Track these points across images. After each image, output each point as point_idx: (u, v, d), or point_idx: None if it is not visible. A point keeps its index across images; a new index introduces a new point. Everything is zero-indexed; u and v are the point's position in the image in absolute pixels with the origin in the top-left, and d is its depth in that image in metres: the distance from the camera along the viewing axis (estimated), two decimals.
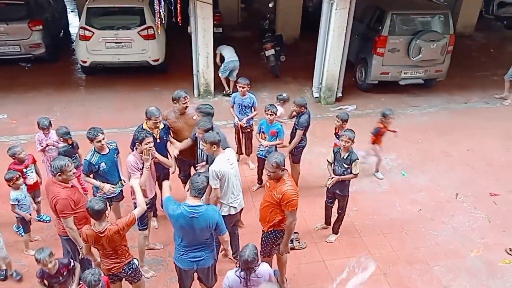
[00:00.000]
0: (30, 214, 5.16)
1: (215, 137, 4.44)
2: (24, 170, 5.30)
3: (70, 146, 5.55)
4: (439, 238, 5.77)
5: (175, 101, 5.32)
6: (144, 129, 5.03)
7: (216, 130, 4.78)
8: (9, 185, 4.94)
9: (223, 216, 4.55)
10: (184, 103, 5.30)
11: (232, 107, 6.70)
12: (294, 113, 5.95)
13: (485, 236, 5.82)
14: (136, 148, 4.61)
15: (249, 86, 6.55)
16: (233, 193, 4.62)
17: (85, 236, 3.90)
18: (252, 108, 6.59)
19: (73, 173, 4.27)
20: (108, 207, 3.87)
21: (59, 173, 4.07)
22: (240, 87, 6.48)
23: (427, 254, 5.50)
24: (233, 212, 4.72)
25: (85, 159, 4.79)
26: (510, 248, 5.54)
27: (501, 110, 9.30)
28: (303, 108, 5.81)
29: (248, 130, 6.69)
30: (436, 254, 5.51)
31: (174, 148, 5.31)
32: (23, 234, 5.26)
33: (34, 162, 5.48)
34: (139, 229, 4.88)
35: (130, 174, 4.58)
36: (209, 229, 3.87)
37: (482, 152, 7.69)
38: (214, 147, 4.44)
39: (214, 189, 4.43)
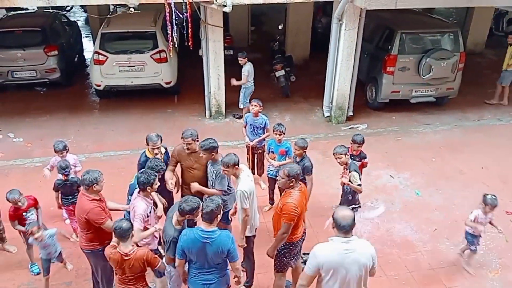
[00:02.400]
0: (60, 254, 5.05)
1: (234, 159, 4.48)
2: (24, 214, 5.02)
3: (65, 182, 5.38)
4: (455, 259, 5.64)
5: (182, 138, 5.08)
6: (147, 157, 5.05)
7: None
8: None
9: (249, 236, 4.66)
10: (184, 143, 5.03)
11: (245, 127, 6.75)
12: (297, 158, 5.43)
13: (503, 256, 5.68)
14: (146, 190, 4.37)
15: (262, 107, 6.59)
16: (256, 211, 4.73)
17: (108, 259, 3.91)
18: (264, 129, 6.61)
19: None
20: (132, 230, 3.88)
21: (92, 185, 4.17)
22: (254, 106, 6.50)
23: (444, 275, 5.38)
24: (255, 230, 4.77)
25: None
26: None
27: None
28: (305, 150, 5.39)
29: (260, 151, 6.71)
30: (453, 275, 5.39)
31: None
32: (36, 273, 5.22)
33: (34, 204, 5.14)
34: (157, 277, 4.69)
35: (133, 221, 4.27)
36: (221, 255, 3.80)
37: (496, 169, 7.57)
38: (236, 167, 4.51)
39: (245, 209, 4.45)
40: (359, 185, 5.21)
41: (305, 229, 4.56)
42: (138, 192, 4.44)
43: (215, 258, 3.82)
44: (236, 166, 4.51)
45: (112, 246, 3.89)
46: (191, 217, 3.94)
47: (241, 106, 8.89)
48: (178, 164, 5.24)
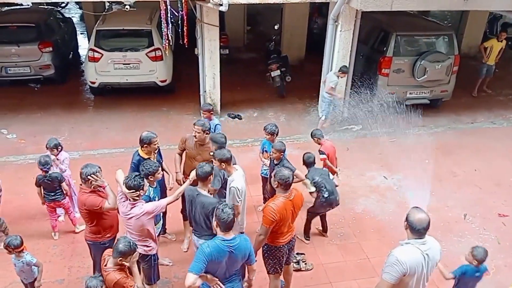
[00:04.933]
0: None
1: (225, 154, 4.46)
2: None
3: (44, 178, 5.35)
4: (448, 260, 5.67)
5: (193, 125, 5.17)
6: (140, 157, 4.86)
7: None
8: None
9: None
10: (193, 130, 5.13)
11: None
12: (275, 160, 5.36)
13: (495, 258, 5.71)
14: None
15: (211, 112, 6.36)
16: (244, 212, 4.71)
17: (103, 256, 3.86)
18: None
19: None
20: (136, 255, 3.72)
21: (88, 180, 4.21)
22: (202, 112, 6.45)
23: (437, 276, 5.39)
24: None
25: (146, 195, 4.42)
26: None
27: (507, 130, 9.27)
28: (282, 153, 5.30)
29: None
30: None
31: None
32: None
33: None
34: (147, 283, 4.52)
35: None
36: (243, 260, 3.76)
37: (489, 172, 7.63)
38: (223, 165, 4.47)
39: (236, 206, 4.40)
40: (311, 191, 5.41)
41: (294, 236, 4.52)
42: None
43: (237, 264, 3.78)
44: (224, 163, 4.46)
45: (107, 256, 3.79)
46: (205, 182, 4.18)
47: (324, 118, 8.64)
48: None
